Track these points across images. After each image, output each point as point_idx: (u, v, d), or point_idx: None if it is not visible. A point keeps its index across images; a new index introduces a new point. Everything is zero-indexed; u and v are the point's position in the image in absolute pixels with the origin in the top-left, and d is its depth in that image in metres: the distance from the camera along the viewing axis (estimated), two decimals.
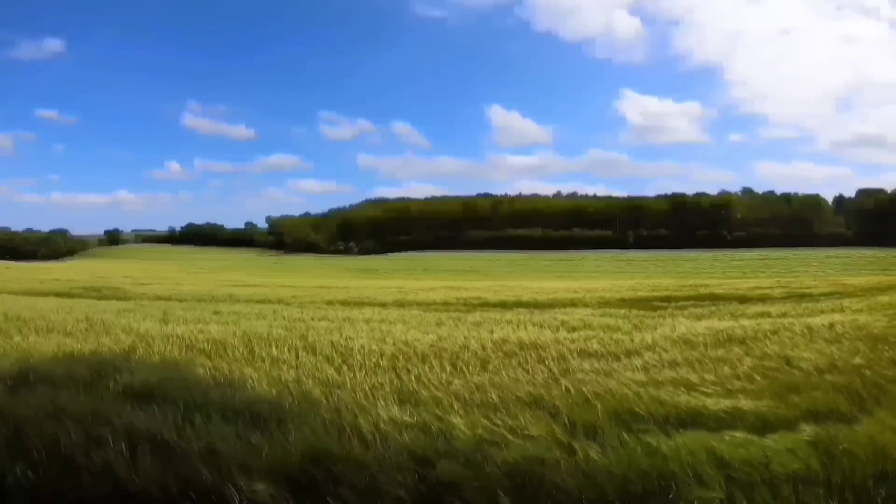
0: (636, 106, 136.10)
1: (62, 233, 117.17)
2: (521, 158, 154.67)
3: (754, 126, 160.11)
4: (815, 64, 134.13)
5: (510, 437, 3.61)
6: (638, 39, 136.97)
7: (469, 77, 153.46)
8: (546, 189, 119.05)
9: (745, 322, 9.17)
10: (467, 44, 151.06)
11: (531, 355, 6.25)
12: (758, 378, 5.05)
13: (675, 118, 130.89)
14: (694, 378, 5.01)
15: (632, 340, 7.23)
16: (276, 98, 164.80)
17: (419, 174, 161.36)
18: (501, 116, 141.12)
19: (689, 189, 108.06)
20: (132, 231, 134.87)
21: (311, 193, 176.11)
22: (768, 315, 10.03)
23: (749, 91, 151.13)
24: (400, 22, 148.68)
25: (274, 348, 6.74)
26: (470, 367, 5.67)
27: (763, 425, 3.74)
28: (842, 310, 10.60)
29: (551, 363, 5.84)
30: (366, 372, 5.50)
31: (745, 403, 4.21)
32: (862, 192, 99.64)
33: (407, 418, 3.96)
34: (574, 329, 8.59)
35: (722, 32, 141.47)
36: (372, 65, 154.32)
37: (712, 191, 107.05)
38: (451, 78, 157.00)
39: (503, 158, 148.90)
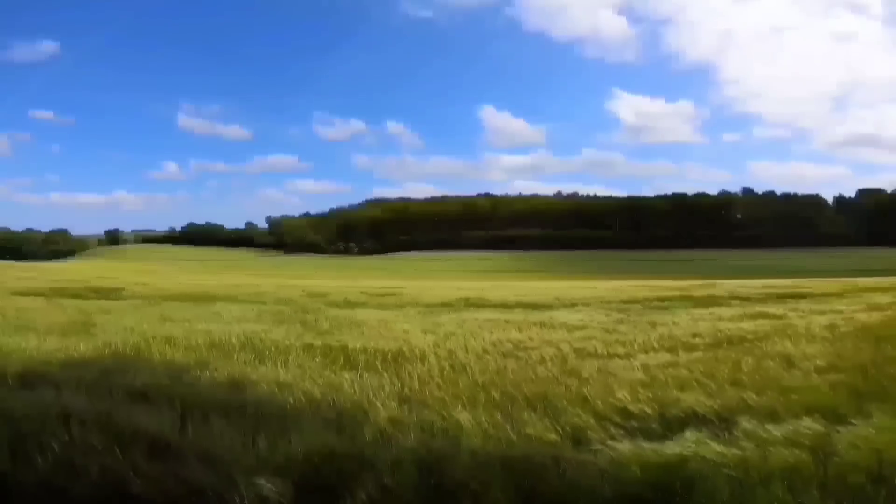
0: (629, 106, 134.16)
1: (62, 233, 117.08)
2: (516, 158, 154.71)
3: (748, 125, 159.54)
4: (808, 62, 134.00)
5: (512, 437, 3.62)
6: (629, 39, 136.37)
7: (460, 77, 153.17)
8: (545, 189, 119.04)
9: (745, 322, 9.17)
10: (456, 44, 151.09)
11: (532, 355, 6.25)
12: (758, 378, 5.06)
13: (669, 118, 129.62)
14: (693, 378, 5.01)
15: (632, 341, 7.23)
16: (270, 99, 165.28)
17: (415, 174, 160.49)
18: (493, 117, 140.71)
19: (685, 189, 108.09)
20: (132, 231, 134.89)
21: (310, 193, 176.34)
22: (768, 315, 10.01)
23: (742, 90, 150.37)
24: (388, 22, 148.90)
25: (274, 348, 6.75)
26: (471, 368, 5.67)
27: (763, 425, 3.74)
28: (842, 310, 10.60)
29: (551, 363, 5.85)
30: (367, 372, 5.51)
31: (744, 403, 4.22)
32: (862, 192, 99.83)
33: (409, 419, 3.97)
34: (574, 329, 8.59)
35: (713, 31, 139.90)
36: (364, 65, 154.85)
37: (708, 190, 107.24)
38: (441, 78, 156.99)
39: (498, 158, 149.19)
